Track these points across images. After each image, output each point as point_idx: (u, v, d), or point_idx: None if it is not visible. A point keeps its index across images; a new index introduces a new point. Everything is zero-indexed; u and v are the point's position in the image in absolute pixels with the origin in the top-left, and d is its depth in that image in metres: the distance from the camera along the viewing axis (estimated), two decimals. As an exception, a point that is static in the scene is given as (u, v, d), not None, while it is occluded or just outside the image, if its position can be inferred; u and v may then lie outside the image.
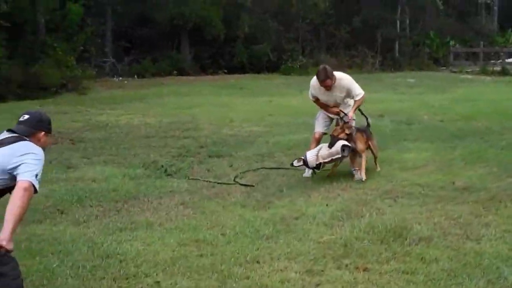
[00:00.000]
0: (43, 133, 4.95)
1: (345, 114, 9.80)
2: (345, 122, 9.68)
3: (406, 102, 20.48)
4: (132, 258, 6.17)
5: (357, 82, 10.11)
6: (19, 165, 4.50)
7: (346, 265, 5.90)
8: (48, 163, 10.82)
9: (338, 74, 9.89)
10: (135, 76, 36.11)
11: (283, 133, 14.22)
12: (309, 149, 9.91)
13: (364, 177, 9.37)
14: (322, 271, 5.78)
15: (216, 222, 7.37)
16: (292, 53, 41.60)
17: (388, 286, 5.40)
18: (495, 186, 8.86)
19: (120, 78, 35.06)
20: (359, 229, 6.91)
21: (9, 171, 4.51)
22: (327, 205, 8.00)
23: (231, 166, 10.85)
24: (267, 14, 41.57)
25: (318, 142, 10.09)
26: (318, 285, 5.47)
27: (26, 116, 4.97)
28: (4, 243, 4.20)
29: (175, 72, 37.62)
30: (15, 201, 4.35)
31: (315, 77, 9.87)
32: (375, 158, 10.13)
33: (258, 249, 6.39)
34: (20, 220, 4.37)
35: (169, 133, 14.74)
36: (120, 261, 6.07)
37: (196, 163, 11.18)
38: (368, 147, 9.98)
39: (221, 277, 5.65)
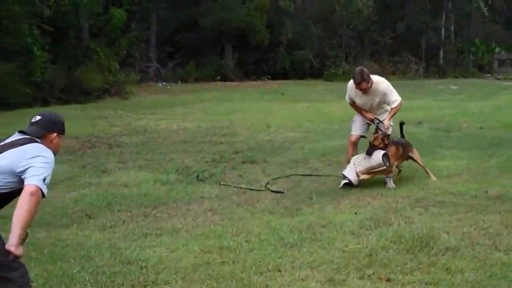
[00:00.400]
0: (55, 134, 4.79)
1: (380, 121, 9.58)
2: (386, 135, 9.44)
3: (447, 109, 20.17)
4: (153, 264, 6.11)
5: (399, 88, 9.92)
6: (27, 168, 4.38)
7: (369, 275, 5.75)
8: (82, 168, 11.08)
9: (375, 78, 9.70)
10: (179, 81, 36.28)
11: (319, 139, 14.09)
12: (347, 152, 9.89)
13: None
14: (344, 280, 5.65)
15: (242, 229, 7.27)
16: (335, 60, 41.43)
17: (410, 298, 5.24)
18: (532, 195, 8.58)
19: (164, 83, 35.26)
20: (386, 238, 6.74)
21: (18, 174, 4.39)
22: (355, 213, 7.84)
23: (263, 172, 10.78)
24: (310, 20, 41.43)
25: (354, 145, 9.96)
26: (338, 295, 5.33)
27: (38, 117, 4.81)
28: (12, 249, 4.13)
29: (218, 77, 37.78)
30: (22, 205, 4.24)
31: (352, 80, 9.70)
32: (423, 167, 9.91)
33: (280, 257, 6.27)
34: (28, 224, 4.25)
35: (206, 138, 14.76)
36: (141, 268, 6.02)
37: (229, 169, 11.13)
38: (409, 159, 9.87)
39: (240, 285, 5.55)
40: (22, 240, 4.24)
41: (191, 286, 5.57)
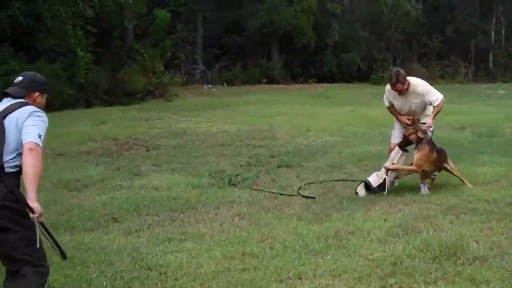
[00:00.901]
0: (37, 93, 4.96)
1: (422, 123, 9.36)
2: (422, 130, 9.20)
3: (492, 114, 19.78)
4: (173, 270, 6.07)
5: (445, 92, 9.72)
6: (22, 130, 4.60)
7: (391, 285, 5.63)
8: (116, 170, 11.13)
9: (413, 80, 9.50)
10: (225, 84, 36.38)
11: (358, 144, 13.94)
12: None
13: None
14: (365, 290, 5.53)
15: (267, 235, 7.20)
16: (383, 63, 41.10)
17: (430, 309, 5.09)
18: None
19: (210, 85, 35.38)
20: (413, 246, 6.59)
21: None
22: (385, 220, 7.70)
23: (298, 177, 10.69)
24: (358, 23, 41.15)
25: None
26: (356, 305, 5.22)
27: (20, 78, 4.98)
28: (31, 203, 4.39)
29: (264, 80, 37.77)
30: (27, 162, 4.43)
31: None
32: (458, 177, 9.66)
33: (303, 264, 6.18)
34: (38, 178, 4.45)
35: (245, 141, 14.73)
36: (160, 274, 5.99)
37: (263, 173, 11.07)
38: (443, 169, 9.60)
39: (259, 293, 5.48)
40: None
41: (210, 293, 5.52)
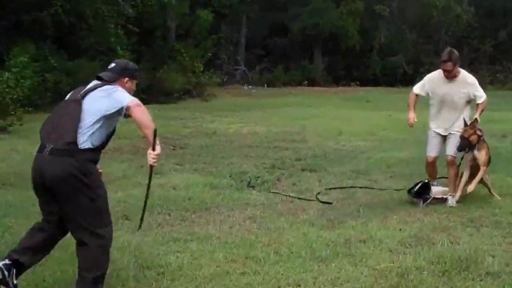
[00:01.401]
0: (127, 79, 5.46)
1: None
2: (476, 127, 8.85)
3: (539, 124, 19.28)
4: (172, 271, 6.04)
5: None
6: (113, 103, 5.11)
7: (393, 297, 5.50)
8: (139, 168, 11.14)
9: (463, 70, 9.08)
10: (265, 85, 36.36)
11: (389, 150, 13.78)
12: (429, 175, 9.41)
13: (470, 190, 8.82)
14: (364, 302, 5.41)
15: (276, 239, 7.12)
16: (430, 67, 40.36)
17: (427, 324, 4.94)
18: None
19: (250, 86, 35.39)
20: (424, 258, 6.44)
21: (104, 115, 5.09)
22: (400, 229, 7.55)
23: (320, 181, 10.58)
24: (405, 25, 40.73)
25: (432, 166, 9.39)
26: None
27: (113, 64, 5.54)
28: (150, 150, 5.21)
29: (305, 82, 37.67)
30: (139, 116, 5.09)
31: (436, 71, 9.20)
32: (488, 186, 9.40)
33: (305, 271, 6.07)
34: (152, 125, 5.10)
35: (273, 143, 14.66)
36: (158, 274, 5.96)
37: (286, 176, 10.99)
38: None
39: (254, 299, 5.40)
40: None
41: (202, 296, 5.46)
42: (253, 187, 9.99)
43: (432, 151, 9.34)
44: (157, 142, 5.18)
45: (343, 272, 6.07)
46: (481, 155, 8.90)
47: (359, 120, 19.73)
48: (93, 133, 5.06)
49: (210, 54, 31.09)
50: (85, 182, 5.00)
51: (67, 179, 4.95)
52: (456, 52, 8.93)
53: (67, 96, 5.37)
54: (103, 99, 5.10)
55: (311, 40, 39.67)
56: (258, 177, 10.59)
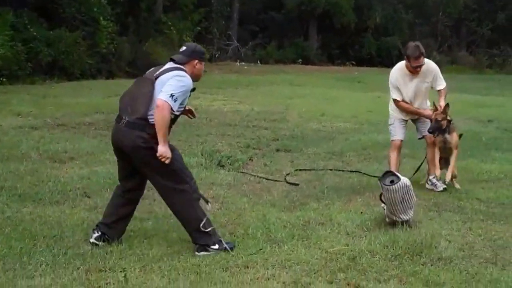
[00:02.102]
0: (196, 61, 6.17)
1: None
2: (445, 109, 8.74)
3: (528, 108, 19.35)
4: (120, 250, 6.08)
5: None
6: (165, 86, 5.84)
7: (339, 280, 5.55)
8: (109, 144, 11.12)
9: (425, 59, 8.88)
10: (258, 62, 36.29)
11: (368, 132, 13.85)
12: (389, 159, 9.19)
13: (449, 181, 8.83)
14: (309, 284, 5.46)
15: (233, 220, 7.19)
16: (426, 49, 40.36)
17: (367, 308, 5.02)
18: None
19: (242, 63, 35.33)
20: (379, 242, 6.51)
21: None
22: (361, 212, 7.62)
23: (292, 162, 10.66)
24: (402, 5, 40.62)
25: (399, 149, 9.18)
26: (292, 299, 5.17)
27: (184, 48, 6.25)
28: (158, 147, 5.80)
29: (299, 60, 37.58)
30: (155, 116, 5.78)
31: (397, 64, 9.11)
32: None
33: (257, 253, 6.14)
34: (164, 129, 5.77)
35: (253, 122, 14.72)
36: (106, 253, 6.00)
37: (259, 156, 11.07)
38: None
39: (197, 279, 5.46)
40: None
41: (146, 276, 5.51)
42: (223, 166, 10.05)
43: (400, 135, 9.16)
44: (164, 142, 5.81)
45: (294, 254, 6.14)
46: (452, 138, 8.92)
47: (346, 101, 19.78)
48: None
49: (199, 28, 30.91)
50: (156, 149, 5.80)
51: (139, 149, 5.90)
52: (421, 45, 8.81)
53: (146, 73, 6.23)
54: (166, 84, 5.84)
55: (307, 16, 39.55)
56: (230, 156, 10.63)
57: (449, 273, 5.78)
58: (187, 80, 5.96)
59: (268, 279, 5.56)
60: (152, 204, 7.81)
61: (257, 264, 5.87)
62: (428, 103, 9.18)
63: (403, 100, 8.99)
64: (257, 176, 9.42)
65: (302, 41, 39.83)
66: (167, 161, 5.84)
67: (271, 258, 6.01)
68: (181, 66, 6.04)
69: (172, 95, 5.76)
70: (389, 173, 7.44)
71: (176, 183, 6.01)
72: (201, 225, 6.05)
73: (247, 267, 5.80)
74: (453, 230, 7.09)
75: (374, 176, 9.16)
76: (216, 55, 35.13)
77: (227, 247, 6.13)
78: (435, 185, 8.98)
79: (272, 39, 39.51)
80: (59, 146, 10.94)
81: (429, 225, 7.22)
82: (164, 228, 6.85)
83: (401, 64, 9.01)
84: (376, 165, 10.40)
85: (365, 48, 39.49)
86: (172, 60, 6.15)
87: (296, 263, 5.93)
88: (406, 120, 9.27)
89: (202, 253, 6.06)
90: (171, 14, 28.64)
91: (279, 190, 8.71)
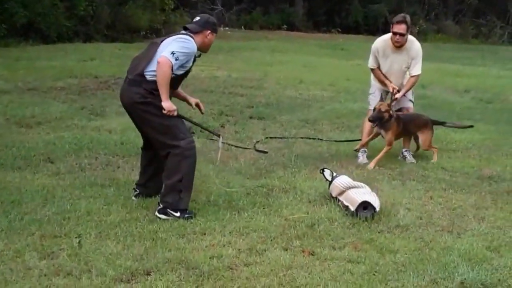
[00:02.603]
0: (209, 31, 6.47)
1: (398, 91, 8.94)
2: (389, 104, 8.81)
3: (505, 79, 19.43)
4: (79, 216, 6.16)
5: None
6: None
7: (295, 247, 5.65)
8: (79, 109, 11.23)
9: (410, 36, 8.90)
10: (242, 27, 36.13)
11: (345, 101, 13.92)
12: (363, 129, 9.29)
13: (372, 166, 8.59)
14: (264, 250, 5.55)
15: (197, 187, 7.14)
16: (413, 17, 40.25)
17: (318, 274, 5.09)
18: (529, 177, 8.25)
19: (226, 28, 35.15)
20: (339, 210, 6.63)
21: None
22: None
23: (264, 129, 10.75)
24: (389, -28, 40.46)
25: None
26: (246, 265, 5.26)
27: (197, 18, 6.55)
28: (163, 104, 6.10)
29: (284, 26, 37.45)
30: (156, 71, 6.04)
31: (384, 35, 9.15)
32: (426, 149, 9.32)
33: (216, 220, 6.23)
34: (165, 86, 6.05)
35: (229, 89, 14.74)
36: (64, 219, 6.07)
37: (231, 123, 11.16)
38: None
39: (152, 244, 5.54)
40: None
41: (101, 242, 5.58)
42: (193, 133, 10.05)
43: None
44: (166, 98, 6.11)
45: (253, 222, 6.24)
46: (387, 135, 8.76)
47: (326, 68, 19.80)
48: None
49: (182, -9, 30.70)
50: (152, 105, 6.13)
51: (135, 104, 6.22)
52: (409, 17, 8.83)
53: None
54: (165, 44, 6.17)
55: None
56: (202, 123, 10.62)
57: (404, 241, 5.91)
58: (191, 44, 6.20)
59: (224, 245, 5.65)
60: (115, 171, 7.88)
61: (214, 231, 5.96)
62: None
63: (377, 68, 9.10)
64: (227, 143, 9.45)
65: (288, 7, 39.65)
66: (174, 114, 6.19)
67: (229, 225, 6.11)
68: (189, 33, 6.31)
69: (173, 53, 6.02)
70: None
71: (173, 139, 6.24)
72: (180, 179, 6.27)
73: (204, 234, 5.89)
74: (414, 198, 7.22)
75: (344, 141, 9.33)
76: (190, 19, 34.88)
77: (187, 216, 6.25)
78: (405, 157, 9.12)
79: (258, 4, 39.33)
80: (27, 111, 10.96)
81: (391, 194, 7.33)
82: (125, 194, 6.90)
83: (388, 35, 9.03)
84: (348, 133, 10.49)
85: (351, 15, 39.36)
86: (185, 28, 6.45)
87: (253, 230, 6.03)
88: (388, 92, 9.29)
89: (161, 216, 6.22)
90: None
91: (247, 158, 8.78)
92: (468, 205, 7.06)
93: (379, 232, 6.11)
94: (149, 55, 6.22)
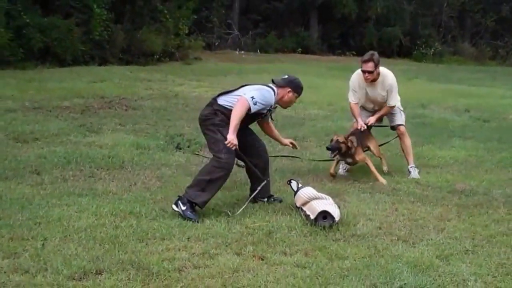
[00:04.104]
0: (289, 90, 7.27)
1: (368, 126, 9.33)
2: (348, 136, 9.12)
3: (509, 99, 19.46)
4: (49, 221, 6.43)
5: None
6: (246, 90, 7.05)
7: (247, 252, 5.87)
8: (78, 126, 11.55)
9: (384, 70, 9.15)
10: (258, 51, 36.45)
11: (338, 119, 14.18)
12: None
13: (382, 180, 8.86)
14: (216, 255, 5.77)
15: (169, 197, 7.49)
16: (427, 39, 40.58)
17: (262, 277, 5.30)
18: (500, 192, 8.39)
19: (242, 51, 35.49)
20: (301, 220, 6.84)
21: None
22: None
23: (252, 146, 10.92)
24: (404, -5, 40.67)
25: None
26: (196, 267, 5.49)
27: (286, 76, 7.42)
28: (228, 136, 6.72)
29: (299, 50, 37.70)
30: (233, 110, 6.77)
31: (356, 71, 9.28)
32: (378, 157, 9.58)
33: (177, 226, 6.48)
34: (236, 120, 6.72)
35: (228, 108, 14.95)
36: (35, 223, 6.35)
37: (221, 140, 11.34)
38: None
39: (112, 248, 5.78)
40: None
41: (64, 244, 5.86)
42: (180, 149, 10.40)
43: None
44: (233, 131, 6.71)
45: (214, 229, 6.48)
46: (357, 157, 9.00)
47: (329, 89, 20.02)
48: (231, 100, 6.95)
49: (195, 17, 31.07)
50: (214, 122, 6.96)
51: (202, 121, 7.14)
52: (377, 54, 9.04)
53: None
54: (249, 89, 7.01)
55: (308, 6, 39.69)
56: (192, 139, 10.97)
57: (355, 248, 6.07)
58: (270, 95, 7.02)
59: (179, 249, 5.90)
60: (96, 182, 8.18)
61: (174, 237, 6.21)
62: (398, 98, 9.46)
63: (356, 104, 9.35)
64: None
65: (303, 31, 39.97)
66: (233, 148, 6.76)
67: (189, 232, 6.36)
68: (273, 86, 7.17)
69: (252, 97, 6.79)
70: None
71: (216, 152, 6.94)
72: (209, 180, 6.87)
73: (164, 239, 6.14)
74: (378, 210, 7.40)
75: (320, 160, 9.53)
76: (216, 44, 35.38)
77: (193, 219, 6.71)
78: (409, 172, 9.33)
79: (273, 28, 39.71)
80: (28, 127, 11.31)
81: (356, 205, 7.53)
82: (98, 203, 7.16)
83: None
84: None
85: (366, 38, 39.56)
86: (272, 81, 7.28)
87: (212, 236, 6.27)
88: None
89: (173, 206, 6.87)
90: (167, 3, 28.74)
91: (226, 171, 8.99)
92: (432, 216, 7.21)
93: (333, 240, 6.29)
94: (231, 89, 7.14)
